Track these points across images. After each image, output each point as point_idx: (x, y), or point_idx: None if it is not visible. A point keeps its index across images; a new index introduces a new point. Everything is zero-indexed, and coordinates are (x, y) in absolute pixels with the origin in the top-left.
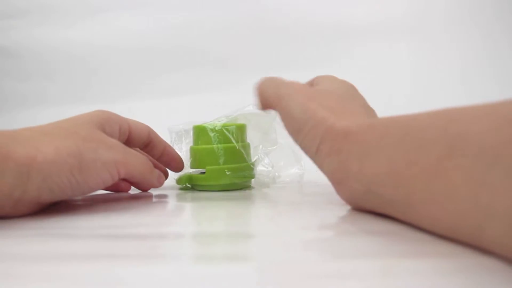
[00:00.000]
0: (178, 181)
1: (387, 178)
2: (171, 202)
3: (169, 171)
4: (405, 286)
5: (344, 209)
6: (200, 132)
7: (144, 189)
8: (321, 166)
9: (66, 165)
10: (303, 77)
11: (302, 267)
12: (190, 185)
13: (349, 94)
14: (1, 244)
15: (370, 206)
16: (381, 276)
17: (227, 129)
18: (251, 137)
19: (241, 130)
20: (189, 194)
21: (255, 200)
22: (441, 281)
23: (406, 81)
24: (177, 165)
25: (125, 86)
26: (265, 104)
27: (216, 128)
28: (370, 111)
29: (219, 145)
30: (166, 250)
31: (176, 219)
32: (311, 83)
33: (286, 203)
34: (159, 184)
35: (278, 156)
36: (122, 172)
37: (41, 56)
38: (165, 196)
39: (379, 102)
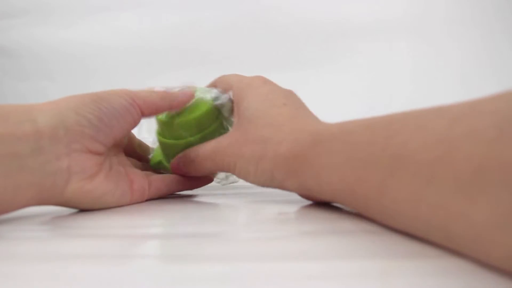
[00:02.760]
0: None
1: (344, 194)
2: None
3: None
4: (405, 286)
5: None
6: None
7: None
8: (284, 188)
9: (87, 96)
10: (302, 77)
11: (299, 267)
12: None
13: (270, 103)
14: (1, 244)
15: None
16: (380, 277)
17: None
18: None
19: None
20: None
21: (246, 198)
22: (442, 281)
23: (406, 80)
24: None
25: (125, 86)
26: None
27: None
28: (292, 103)
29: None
30: (168, 250)
31: (179, 220)
32: (214, 84)
33: (275, 201)
34: (184, 97)
35: None
36: (137, 100)
37: (41, 56)
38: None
39: (379, 102)
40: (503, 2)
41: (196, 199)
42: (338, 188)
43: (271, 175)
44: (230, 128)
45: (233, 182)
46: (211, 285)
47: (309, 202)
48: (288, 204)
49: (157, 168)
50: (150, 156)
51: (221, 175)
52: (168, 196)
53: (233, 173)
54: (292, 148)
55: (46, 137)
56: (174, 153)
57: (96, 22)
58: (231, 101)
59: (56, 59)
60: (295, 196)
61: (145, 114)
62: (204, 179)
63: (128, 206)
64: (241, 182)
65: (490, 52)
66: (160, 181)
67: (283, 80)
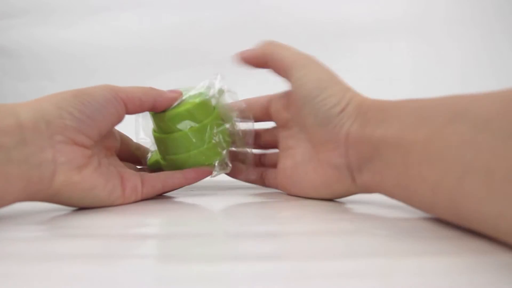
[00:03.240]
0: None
1: (393, 140)
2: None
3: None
4: (405, 286)
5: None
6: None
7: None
8: (335, 126)
9: (68, 92)
10: None
11: (304, 266)
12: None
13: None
14: (1, 244)
15: (366, 179)
16: (381, 276)
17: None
18: None
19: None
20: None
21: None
22: (442, 280)
23: (406, 81)
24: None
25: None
26: (277, 64)
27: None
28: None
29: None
30: (165, 250)
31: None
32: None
33: (281, 200)
34: (172, 95)
35: None
36: (120, 94)
37: (41, 56)
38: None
39: None
40: (503, 2)
41: (195, 199)
42: (391, 134)
43: (344, 106)
44: (226, 125)
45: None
46: (210, 285)
47: (304, 202)
48: (287, 202)
49: (153, 168)
50: (148, 156)
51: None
52: (167, 196)
53: (309, 73)
54: (372, 99)
55: (28, 130)
56: (168, 148)
57: (96, 22)
58: (222, 91)
59: (56, 59)
60: (294, 196)
61: (129, 108)
62: (201, 173)
63: (125, 206)
64: (236, 182)
65: (490, 52)
66: (154, 178)
67: (283, 79)
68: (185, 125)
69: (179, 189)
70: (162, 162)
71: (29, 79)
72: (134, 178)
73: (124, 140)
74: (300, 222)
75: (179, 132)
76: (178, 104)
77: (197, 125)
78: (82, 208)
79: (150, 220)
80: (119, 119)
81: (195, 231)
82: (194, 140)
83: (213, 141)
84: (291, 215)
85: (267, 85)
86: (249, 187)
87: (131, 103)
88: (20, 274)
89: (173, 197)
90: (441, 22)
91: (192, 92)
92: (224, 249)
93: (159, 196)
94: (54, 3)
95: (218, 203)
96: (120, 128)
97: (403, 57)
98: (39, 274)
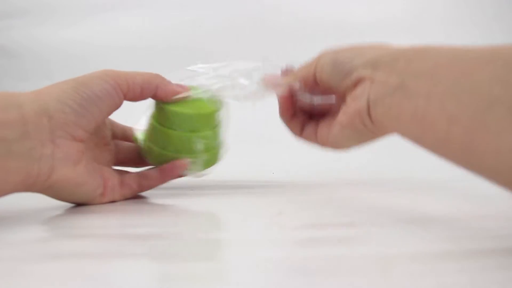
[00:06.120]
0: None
1: (425, 73)
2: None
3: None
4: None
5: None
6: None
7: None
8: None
9: (67, 84)
10: None
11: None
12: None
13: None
14: (1, 244)
15: (380, 113)
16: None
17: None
18: None
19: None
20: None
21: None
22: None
23: None
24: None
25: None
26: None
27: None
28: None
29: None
30: (164, 250)
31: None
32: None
33: (275, 201)
34: (176, 88)
35: None
36: (119, 82)
37: (41, 56)
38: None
39: None
40: (503, 2)
41: (194, 198)
42: (421, 67)
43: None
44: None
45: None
46: (208, 284)
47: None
48: (286, 203)
49: (145, 153)
50: (136, 136)
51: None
52: (167, 195)
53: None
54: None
55: (31, 124)
56: (159, 141)
57: (97, 22)
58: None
59: (56, 59)
60: (295, 196)
61: (128, 97)
62: (174, 171)
63: (123, 206)
64: (236, 182)
65: None
66: (132, 179)
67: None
68: (183, 126)
69: (179, 189)
70: (145, 147)
71: (29, 79)
72: (112, 178)
73: (123, 131)
74: (299, 218)
75: (177, 132)
76: (186, 102)
77: (196, 132)
78: (78, 206)
79: (150, 220)
80: (116, 108)
81: (196, 231)
82: (189, 145)
83: (203, 151)
84: (288, 214)
85: None
86: (248, 186)
87: (131, 92)
88: (21, 274)
89: (172, 197)
90: (441, 21)
91: (201, 93)
92: (220, 249)
93: (158, 195)
94: (54, 3)
95: (219, 202)
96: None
97: None
98: (40, 273)
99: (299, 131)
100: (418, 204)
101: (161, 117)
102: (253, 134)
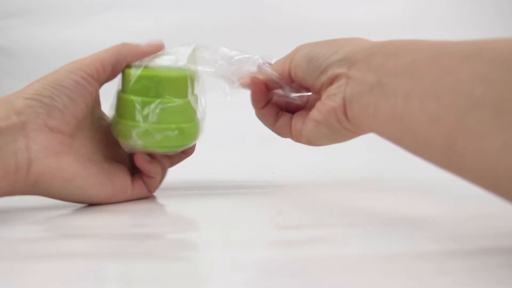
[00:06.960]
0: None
1: (403, 71)
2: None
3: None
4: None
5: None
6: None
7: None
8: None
9: (34, 82)
10: None
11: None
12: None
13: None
14: (2, 244)
15: (356, 112)
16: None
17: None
18: None
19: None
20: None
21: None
22: (444, 279)
23: None
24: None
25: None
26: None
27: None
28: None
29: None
30: (163, 250)
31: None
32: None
33: (289, 201)
34: (146, 49)
35: None
36: (88, 71)
37: (41, 56)
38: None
39: None
40: (503, 2)
41: (193, 199)
42: (398, 65)
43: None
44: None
45: None
46: (208, 284)
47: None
48: (286, 203)
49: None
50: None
51: None
52: (167, 196)
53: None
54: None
55: (1, 122)
56: (117, 108)
57: (97, 22)
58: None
59: (56, 59)
60: (295, 196)
61: (101, 80)
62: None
63: (122, 206)
64: (237, 182)
65: None
66: (144, 180)
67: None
68: (150, 93)
69: (178, 190)
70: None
71: (30, 79)
72: (124, 177)
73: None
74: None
75: (143, 98)
76: (153, 68)
77: (165, 99)
78: (78, 206)
79: (149, 220)
80: (92, 96)
81: (199, 232)
82: (133, 110)
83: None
84: (289, 214)
85: None
86: (248, 186)
87: (103, 75)
88: (21, 274)
89: (172, 197)
90: (441, 21)
91: (174, 60)
92: (219, 248)
93: (158, 196)
94: (54, 3)
95: (218, 203)
96: None
97: None
98: (40, 273)
99: (272, 122)
100: (418, 204)
101: (122, 82)
102: (253, 134)
